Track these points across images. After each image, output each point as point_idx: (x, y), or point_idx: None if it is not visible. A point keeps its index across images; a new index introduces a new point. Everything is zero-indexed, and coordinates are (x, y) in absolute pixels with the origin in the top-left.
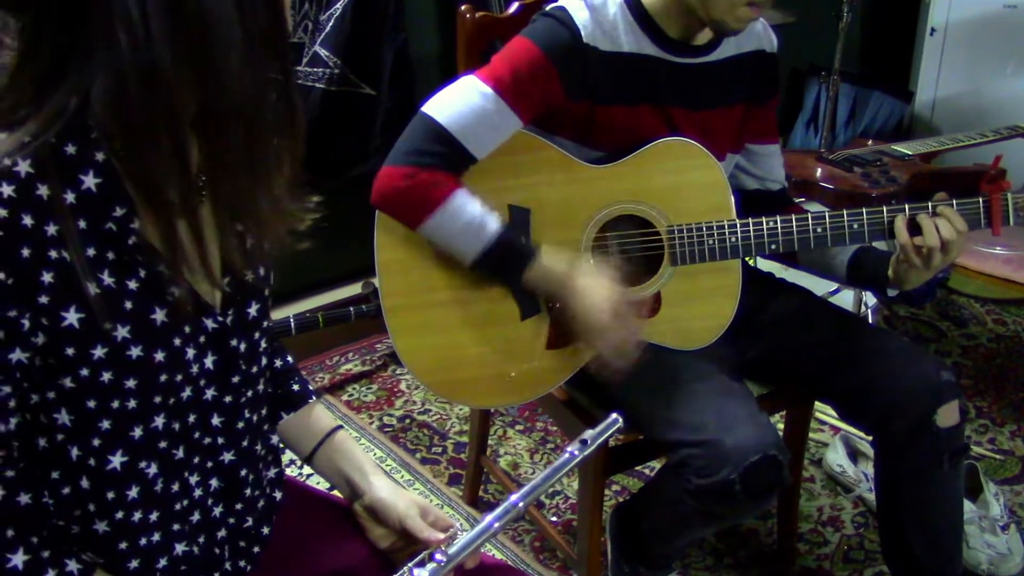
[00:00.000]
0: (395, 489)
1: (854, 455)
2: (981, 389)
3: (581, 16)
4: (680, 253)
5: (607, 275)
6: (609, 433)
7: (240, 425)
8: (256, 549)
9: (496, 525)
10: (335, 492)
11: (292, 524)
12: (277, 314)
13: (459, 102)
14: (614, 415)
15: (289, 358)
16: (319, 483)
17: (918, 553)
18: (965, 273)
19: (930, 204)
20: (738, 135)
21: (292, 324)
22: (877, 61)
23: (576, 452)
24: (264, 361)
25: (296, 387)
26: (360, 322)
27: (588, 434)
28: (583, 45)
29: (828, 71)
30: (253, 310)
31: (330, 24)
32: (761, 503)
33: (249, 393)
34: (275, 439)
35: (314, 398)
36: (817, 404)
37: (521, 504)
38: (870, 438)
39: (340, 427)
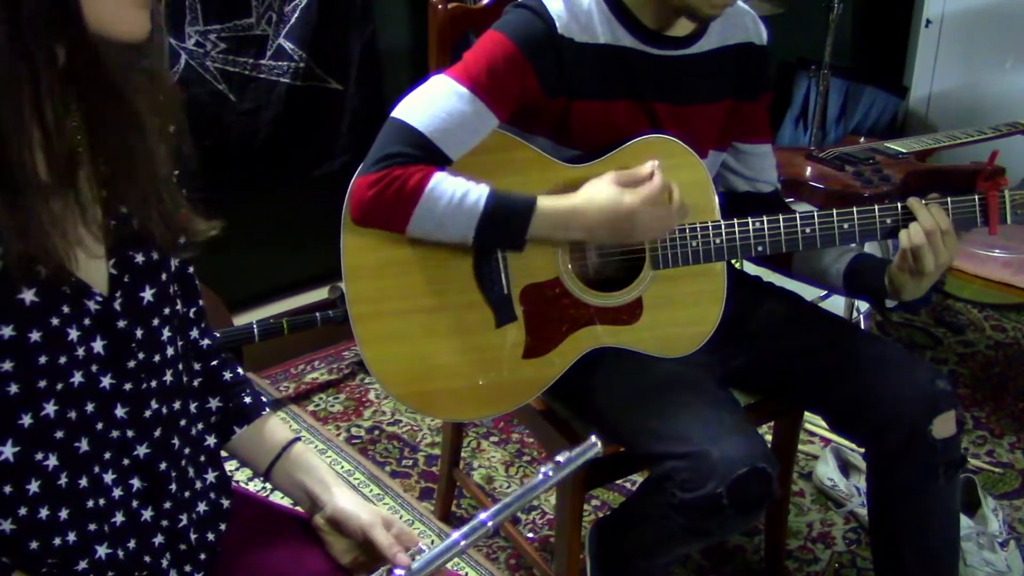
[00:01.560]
0: (358, 500)
1: (845, 468)
2: (979, 399)
3: (555, 6)
4: (662, 256)
5: (600, 179)
6: (587, 457)
7: (147, 415)
8: (202, 556)
9: (463, 543)
10: (296, 507)
11: (248, 538)
12: (240, 319)
13: (433, 104)
14: (593, 438)
15: (240, 370)
16: (282, 500)
17: (912, 571)
18: (962, 277)
19: (924, 202)
20: (723, 132)
21: (256, 330)
22: (869, 54)
23: (550, 473)
24: (171, 351)
25: (248, 399)
26: (327, 328)
27: (564, 456)
28: (558, 36)
29: (818, 65)
30: (148, 295)
31: (295, 15)
32: (749, 518)
33: (154, 383)
34: (211, 441)
35: (267, 410)
36: (807, 415)
37: (490, 523)
38: (862, 450)
39: (298, 439)
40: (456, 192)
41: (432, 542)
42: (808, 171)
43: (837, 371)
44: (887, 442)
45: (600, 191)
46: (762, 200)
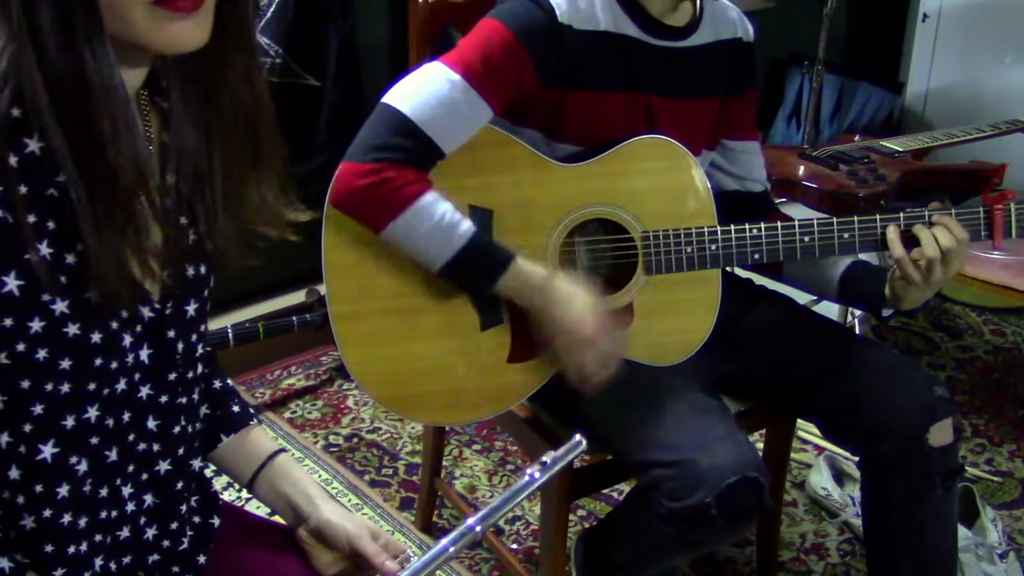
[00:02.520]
0: (343, 512)
1: (840, 477)
2: (977, 405)
3: None
4: (655, 262)
5: (586, 285)
6: (572, 455)
7: (176, 431)
8: None
9: (451, 550)
10: (276, 518)
11: (230, 552)
12: (214, 324)
13: (425, 91)
14: (577, 436)
15: (228, 380)
16: (259, 509)
17: None
18: (960, 279)
19: (927, 212)
20: (713, 130)
21: (230, 335)
22: (865, 49)
23: (537, 475)
24: (200, 368)
25: (236, 408)
26: (304, 333)
27: (550, 456)
28: (558, 24)
29: (811, 61)
30: (192, 309)
31: (271, 10)
32: (739, 529)
33: (184, 399)
34: (197, 463)
35: (255, 420)
36: (800, 422)
37: (478, 528)
38: (857, 459)
39: (282, 450)
40: (444, 218)
41: (412, 552)
42: (801, 170)
43: (831, 377)
44: (882, 450)
45: (579, 302)
46: (751, 200)
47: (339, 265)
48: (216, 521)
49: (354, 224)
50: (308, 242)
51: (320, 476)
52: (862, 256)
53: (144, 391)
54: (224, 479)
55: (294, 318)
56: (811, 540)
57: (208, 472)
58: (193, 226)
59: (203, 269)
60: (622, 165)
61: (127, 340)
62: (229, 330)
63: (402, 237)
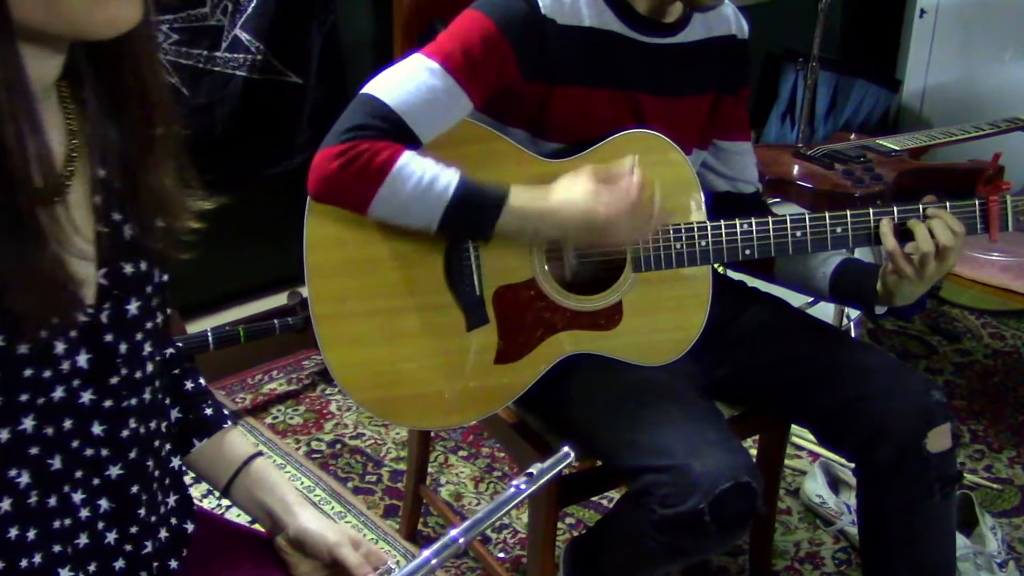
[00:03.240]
0: (323, 520)
1: (835, 484)
2: (976, 411)
3: None
4: (644, 258)
5: (577, 176)
6: (560, 468)
7: (125, 434)
8: None
9: (434, 562)
10: (256, 525)
11: (206, 560)
12: (193, 327)
13: (405, 80)
14: (565, 448)
15: (201, 380)
16: (240, 516)
17: None
18: (958, 282)
19: (921, 206)
20: (705, 129)
21: (210, 339)
22: (861, 46)
23: (523, 487)
24: (151, 368)
25: (209, 411)
26: (286, 337)
27: (536, 467)
28: (541, 17)
29: (806, 57)
30: (133, 307)
31: (252, 5)
32: (732, 536)
33: (134, 400)
34: (176, 463)
35: (229, 423)
36: (794, 428)
37: (462, 540)
38: (852, 465)
39: (259, 454)
40: (425, 175)
41: (399, 562)
42: (795, 170)
43: (826, 382)
44: (879, 457)
45: (576, 192)
46: (743, 201)
47: (321, 265)
48: (190, 526)
49: (336, 223)
50: (289, 243)
51: (302, 483)
52: (857, 253)
53: (86, 396)
54: (204, 485)
55: (275, 321)
56: (806, 549)
57: (187, 479)
58: (128, 221)
59: (143, 265)
60: (608, 160)
61: (60, 347)
62: (209, 334)
63: (390, 206)
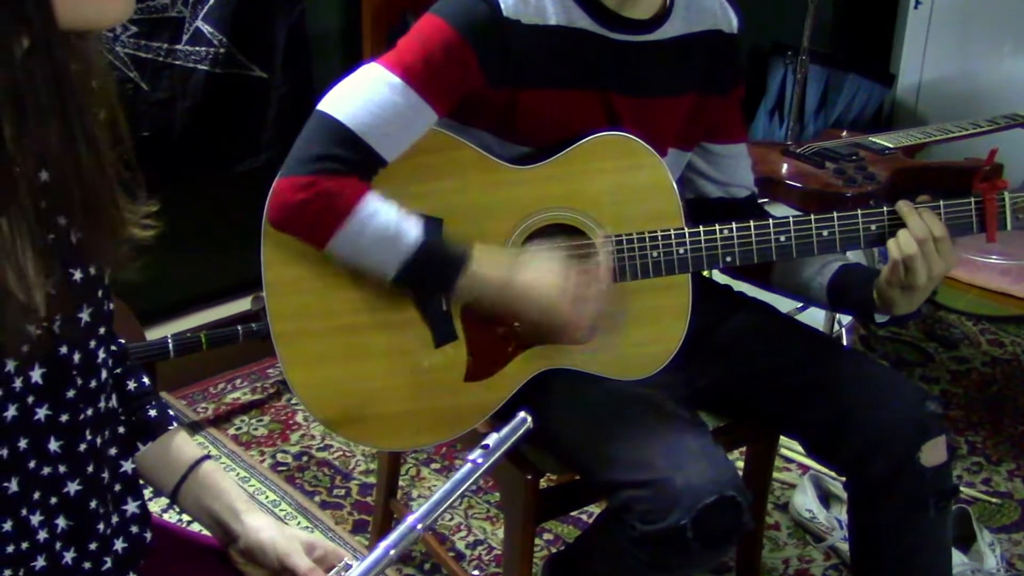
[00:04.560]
0: (274, 525)
1: (826, 498)
2: (974, 421)
3: None
4: (619, 268)
5: (550, 259)
6: (517, 435)
7: (82, 448)
8: None
9: (392, 552)
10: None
11: (159, 572)
12: (152, 333)
13: (362, 96)
14: (522, 414)
15: (145, 380)
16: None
17: None
18: (955, 286)
19: (914, 206)
20: (686, 129)
21: (170, 346)
22: (853, 39)
23: (479, 460)
24: (105, 374)
25: (153, 412)
26: (250, 343)
27: (492, 438)
28: (503, 19)
29: (795, 50)
30: (86, 315)
31: None
32: (717, 553)
33: (90, 411)
34: (129, 466)
35: (175, 424)
36: (782, 439)
37: (420, 526)
38: (844, 479)
39: (206, 457)
40: (389, 224)
41: (351, 560)
42: (784, 169)
43: (816, 391)
44: (871, 470)
45: (546, 279)
46: (737, 207)
47: (280, 282)
48: (148, 535)
49: (294, 239)
50: (254, 245)
51: (267, 497)
52: (851, 257)
53: (41, 413)
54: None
55: (239, 327)
56: (795, 566)
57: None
58: (74, 225)
59: (92, 270)
60: (580, 165)
61: (10, 365)
62: (169, 340)
63: (347, 249)
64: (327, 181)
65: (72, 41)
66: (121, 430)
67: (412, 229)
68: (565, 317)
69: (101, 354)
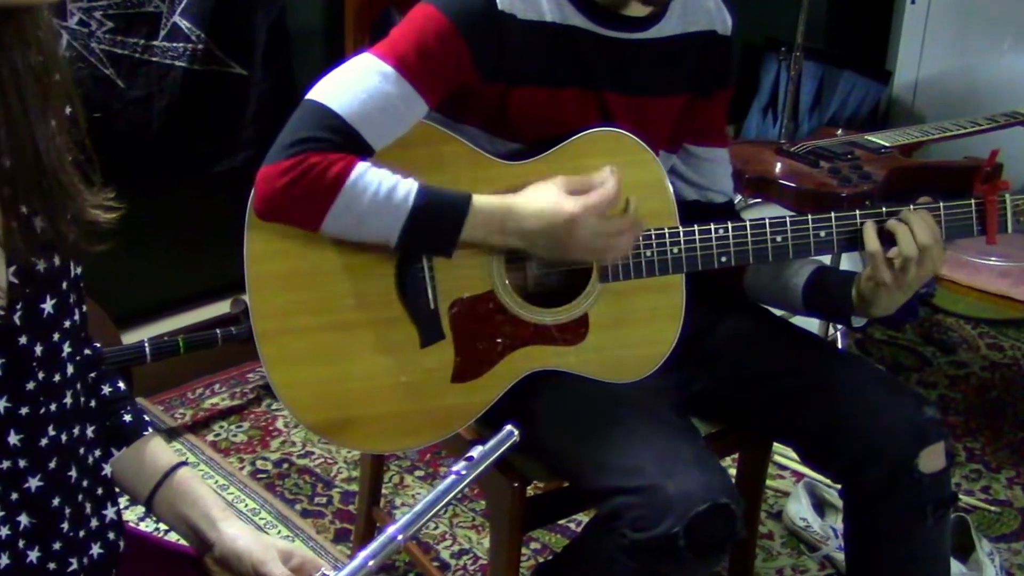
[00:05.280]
0: (251, 534)
1: (820, 507)
2: (972, 427)
3: None
4: (611, 268)
5: (549, 180)
6: (503, 449)
7: (43, 443)
8: None
9: (371, 563)
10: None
11: None
12: (128, 337)
13: (354, 85)
14: (508, 427)
15: (120, 384)
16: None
17: None
18: (954, 288)
19: (912, 207)
20: (676, 131)
21: (147, 350)
22: (848, 35)
23: (463, 472)
24: (71, 370)
25: (128, 418)
26: (229, 347)
27: (477, 450)
28: (498, 13)
29: (789, 46)
30: (49, 306)
31: None
32: (709, 562)
33: (53, 406)
34: (107, 470)
35: (150, 430)
36: (776, 446)
37: (400, 537)
38: (839, 486)
39: (182, 463)
40: (382, 185)
41: (336, 567)
42: (778, 168)
43: (810, 396)
44: (867, 477)
45: (541, 193)
46: (713, 212)
47: (263, 278)
48: (122, 543)
49: (279, 232)
50: (233, 246)
51: (246, 505)
52: (845, 260)
53: (0, 404)
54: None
55: (218, 331)
56: None
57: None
58: (38, 213)
59: (56, 260)
60: (572, 162)
61: None
62: (146, 344)
63: (344, 222)
64: (313, 156)
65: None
66: (92, 431)
67: (407, 184)
68: (568, 212)
69: (66, 348)
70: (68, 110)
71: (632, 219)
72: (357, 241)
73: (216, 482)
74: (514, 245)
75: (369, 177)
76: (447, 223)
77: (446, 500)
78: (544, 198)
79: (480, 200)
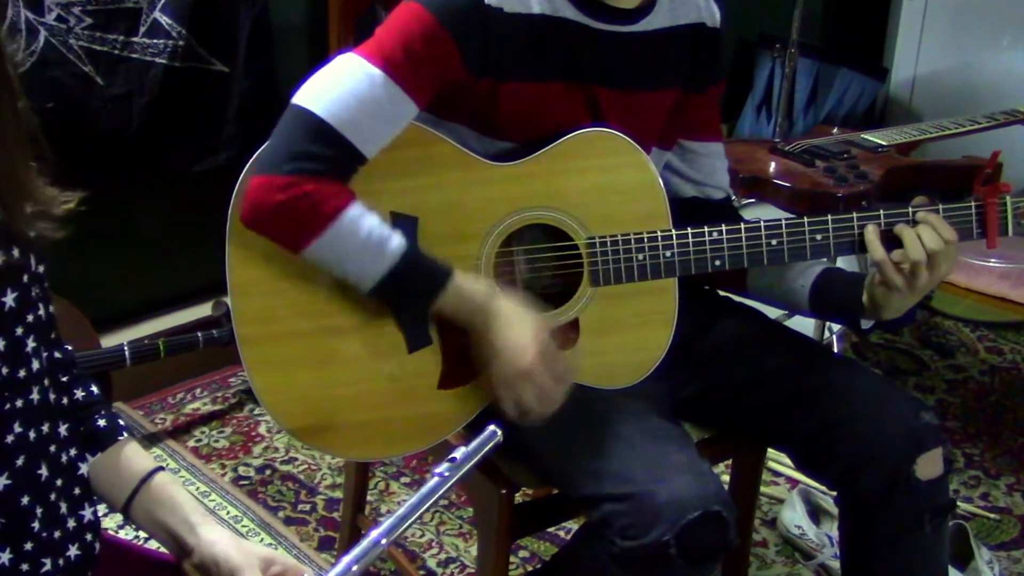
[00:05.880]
0: (231, 540)
1: (815, 514)
2: (971, 433)
3: None
4: (603, 271)
5: (531, 307)
6: (486, 449)
7: (9, 440)
8: None
9: (355, 568)
10: (163, 548)
11: None
12: (108, 340)
13: (340, 89)
14: (492, 428)
15: (94, 388)
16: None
17: None
18: (953, 291)
19: (910, 210)
20: (668, 127)
21: (127, 353)
22: (844, 31)
23: (446, 474)
24: (37, 365)
25: (103, 422)
26: (210, 351)
27: (460, 451)
28: (484, 7)
29: (784, 43)
30: (10, 299)
31: None
32: (701, 571)
33: (19, 402)
34: (84, 469)
35: (126, 434)
36: (770, 452)
37: (384, 541)
38: (835, 493)
39: (160, 468)
40: (372, 234)
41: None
42: (772, 167)
43: (805, 401)
44: (863, 485)
45: (523, 326)
46: (712, 208)
47: (246, 282)
48: (97, 546)
49: (261, 237)
50: (214, 248)
51: (228, 512)
52: (840, 262)
53: None
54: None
55: (199, 334)
56: None
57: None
58: None
59: (15, 252)
60: (563, 163)
61: None
62: (125, 348)
63: (327, 256)
64: (308, 183)
65: None
66: (65, 429)
67: (396, 239)
68: (524, 363)
69: (31, 343)
70: (20, 104)
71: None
72: (332, 274)
73: (197, 489)
74: (471, 327)
75: (360, 222)
76: (421, 294)
77: (430, 503)
78: (519, 331)
79: (458, 285)
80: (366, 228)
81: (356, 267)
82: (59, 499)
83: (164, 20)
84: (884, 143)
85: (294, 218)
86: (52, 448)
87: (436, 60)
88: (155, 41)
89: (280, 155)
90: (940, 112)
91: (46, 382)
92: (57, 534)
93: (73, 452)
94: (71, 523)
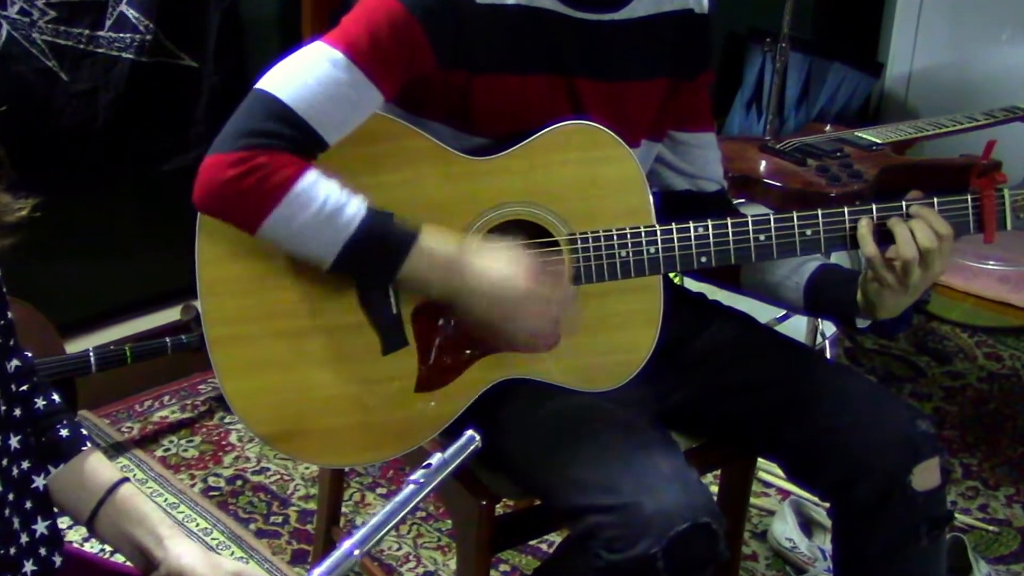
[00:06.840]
0: (198, 552)
1: (808, 526)
2: (969, 442)
3: None
4: (584, 269)
5: (510, 249)
6: (464, 455)
7: None
8: None
9: None
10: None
11: None
12: (73, 346)
13: (303, 74)
14: (470, 432)
15: (55, 397)
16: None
17: None
18: (949, 294)
19: (903, 203)
20: (658, 118)
21: (92, 359)
22: (837, 24)
23: (421, 480)
24: None
25: (65, 432)
26: (179, 357)
27: (436, 457)
28: None
29: (774, 37)
30: None
31: None
32: None
33: None
34: (40, 482)
35: (88, 445)
36: (761, 462)
37: (357, 552)
38: (827, 505)
39: (125, 479)
40: (328, 201)
41: None
42: (762, 166)
43: (797, 410)
44: (857, 496)
45: (501, 254)
46: (706, 201)
47: (216, 281)
48: (57, 559)
49: (233, 234)
50: (183, 250)
51: (197, 525)
52: (832, 258)
53: None
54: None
55: (167, 339)
56: None
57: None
58: None
59: None
60: (542, 157)
61: None
62: (91, 353)
63: (282, 232)
64: (261, 155)
65: None
66: (17, 441)
67: (356, 204)
68: (522, 288)
69: None
70: None
71: (571, 319)
72: (292, 254)
73: (165, 500)
74: (445, 295)
75: (317, 190)
76: (389, 255)
77: (405, 512)
78: (504, 261)
79: (429, 240)
80: (323, 196)
81: (314, 239)
82: (13, 514)
83: (131, 13)
84: (879, 141)
85: (246, 193)
86: (4, 462)
87: (403, 48)
88: (122, 35)
89: (233, 133)
90: (937, 109)
91: (8, 396)
92: (12, 550)
93: (25, 465)
94: (24, 538)
